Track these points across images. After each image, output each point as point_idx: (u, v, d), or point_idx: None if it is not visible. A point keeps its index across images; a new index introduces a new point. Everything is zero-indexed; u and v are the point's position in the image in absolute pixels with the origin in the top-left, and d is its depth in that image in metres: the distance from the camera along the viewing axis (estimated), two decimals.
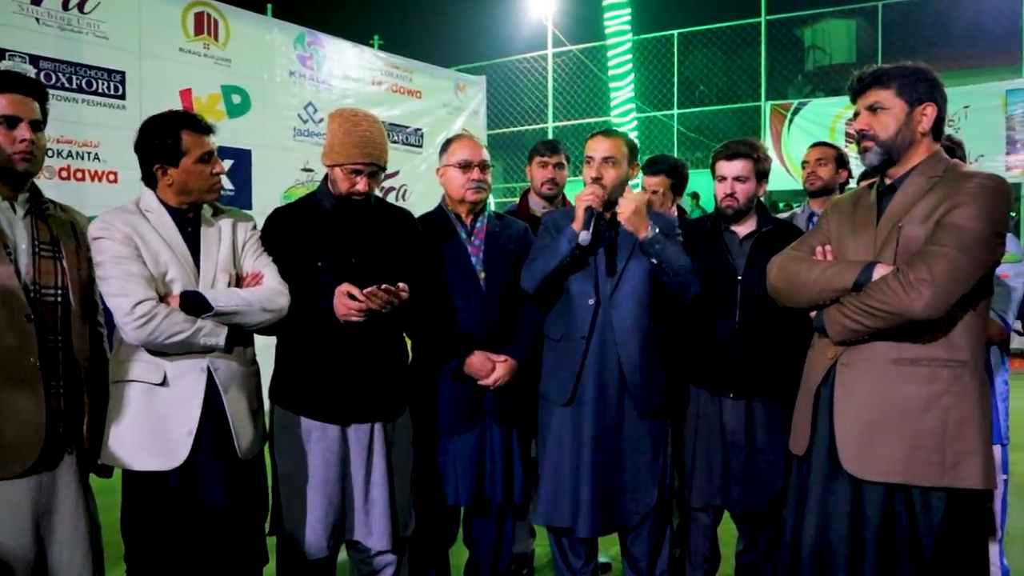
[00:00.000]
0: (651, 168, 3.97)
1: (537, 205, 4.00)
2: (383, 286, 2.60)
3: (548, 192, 3.92)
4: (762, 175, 3.18)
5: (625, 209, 2.88)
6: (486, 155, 3.17)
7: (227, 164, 5.44)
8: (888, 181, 2.46)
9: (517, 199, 4.26)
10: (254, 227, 2.73)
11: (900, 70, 2.37)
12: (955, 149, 3.15)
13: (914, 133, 2.36)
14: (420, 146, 6.96)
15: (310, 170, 6.07)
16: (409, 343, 3.10)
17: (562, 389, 2.98)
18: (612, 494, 3.00)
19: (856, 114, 2.46)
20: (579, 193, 2.94)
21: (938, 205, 2.27)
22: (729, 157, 3.13)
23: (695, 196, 12.78)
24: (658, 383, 3.02)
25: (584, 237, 2.83)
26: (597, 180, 2.93)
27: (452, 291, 3.03)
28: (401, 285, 2.63)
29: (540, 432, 3.10)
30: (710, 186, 3.31)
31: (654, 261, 2.91)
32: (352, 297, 2.62)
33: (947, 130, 2.56)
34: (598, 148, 2.98)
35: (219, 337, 2.46)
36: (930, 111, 2.36)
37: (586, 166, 3.01)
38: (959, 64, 13.88)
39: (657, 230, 2.93)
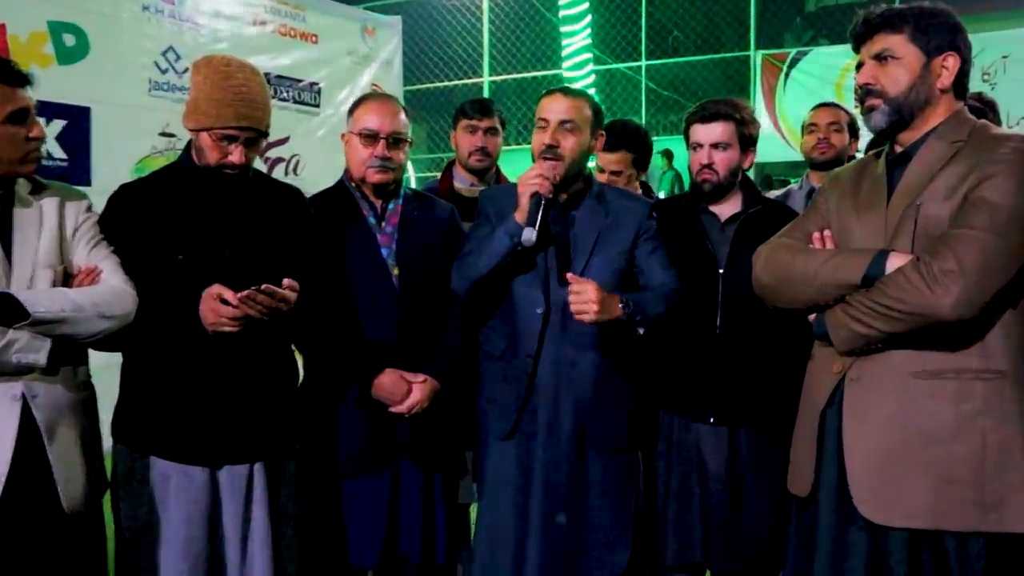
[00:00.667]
0: (607, 143, 3.95)
1: (463, 181, 4.06)
2: (264, 287, 2.56)
3: (477, 164, 3.99)
4: (748, 142, 3.21)
5: (583, 308, 2.77)
6: (401, 125, 3.18)
7: (56, 126, 5.29)
8: (899, 149, 2.47)
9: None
10: (89, 208, 2.68)
11: (915, 11, 2.40)
12: (985, 111, 3.19)
13: (931, 89, 2.38)
14: (316, 105, 6.96)
15: (170, 135, 5.98)
16: (300, 360, 3.09)
17: (504, 418, 3.00)
18: (568, 552, 2.99)
19: (860, 65, 2.48)
20: (523, 174, 2.95)
21: (965, 176, 2.27)
22: (705, 119, 3.16)
23: (667, 155, 12.83)
24: (623, 410, 3.05)
25: (528, 236, 2.83)
26: (552, 149, 2.94)
27: (356, 292, 3.04)
28: (287, 283, 2.61)
29: (475, 472, 3.19)
30: (687, 156, 3.38)
31: (640, 331, 2.94)
32: (224, 302, 2.59)
33: (982, 87, 2.61)
34: (555, 109, 2.99)
35: (38, 353, 2.39)
36: (951, 62, 2.38)
37: (538, 131, 3.03)
38: (996, 5, 14.03)
39: (631, 305, 2.87)
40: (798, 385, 2.63)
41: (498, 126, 4.08)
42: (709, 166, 3.15)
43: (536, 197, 2.86)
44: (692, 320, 3.12)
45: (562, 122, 2.96)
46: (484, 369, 3.14)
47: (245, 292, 2.58)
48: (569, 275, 2.86)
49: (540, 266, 3.01)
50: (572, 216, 3.03)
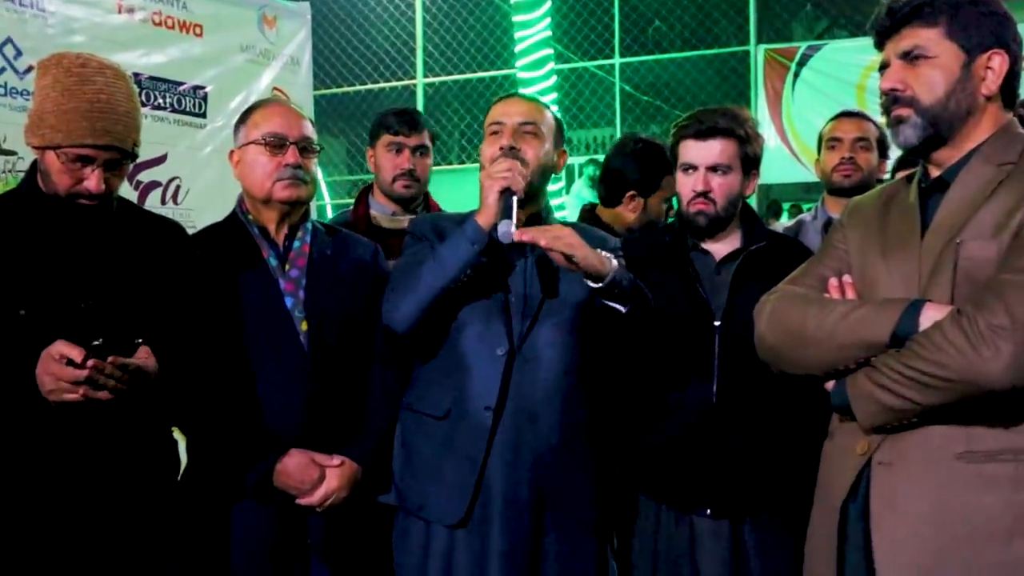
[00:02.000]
0: (609, 183, 4.03)
1: (382, 209, 4.15)
2: (110, 359, 2.55)
3: (403, 191, 4.09)
4: (751, 163, 3.26)
5: (556, 241, 2.84)
6: (309, 129, 3.24)
7: None
8: (935, 172, 2.49)
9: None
10: None
11: (952, 0, 2.42)
12: None
13: (974, 96, 2.39)
14: (202, 115, 6.86)
15: (10, 152, 5.91)
16: (182, 442, 3.14)
17: (452, 499, 3.02)
18: None
19: (884, 65, 2.49)
20: (488, 170, 3.01)
21: (1016, 208, 2.29)
22: (701, 135, 3.21)
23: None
24: (589, 475, 3.08)
25: (505, 229, 2.87)
26: (512, 150, 3.05)
27: (253, 353, 3.07)
28: (140, 354, 2.63)
29: (405, 573, 3.15)
30: None
31: (621, 309, 2.99)
32: (71, 363, 2.57)
33: None
34: (511, 112, 3.14)
35: None
36: (998, 62, 2.39)
37: (490, 139, 3.13)
38: None
39: (614, 261, 2.99)
40: (813, 469, 2.60)
41: (428, 143, 4.13)
42: (705, 195, 3.18)
43: (508, 192, 2.93)
44: (682, 387, 3.15)
45: (522, 123, 3.10)
46: (414, 438, 3.13)
47: (92, 361, 2.56)
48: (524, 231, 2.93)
49: (497, 296, 3.07)
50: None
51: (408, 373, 3.24)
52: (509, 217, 2.91)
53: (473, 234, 2.95)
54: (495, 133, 3.11)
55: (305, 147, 3.16)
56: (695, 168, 3.20)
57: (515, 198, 2.95)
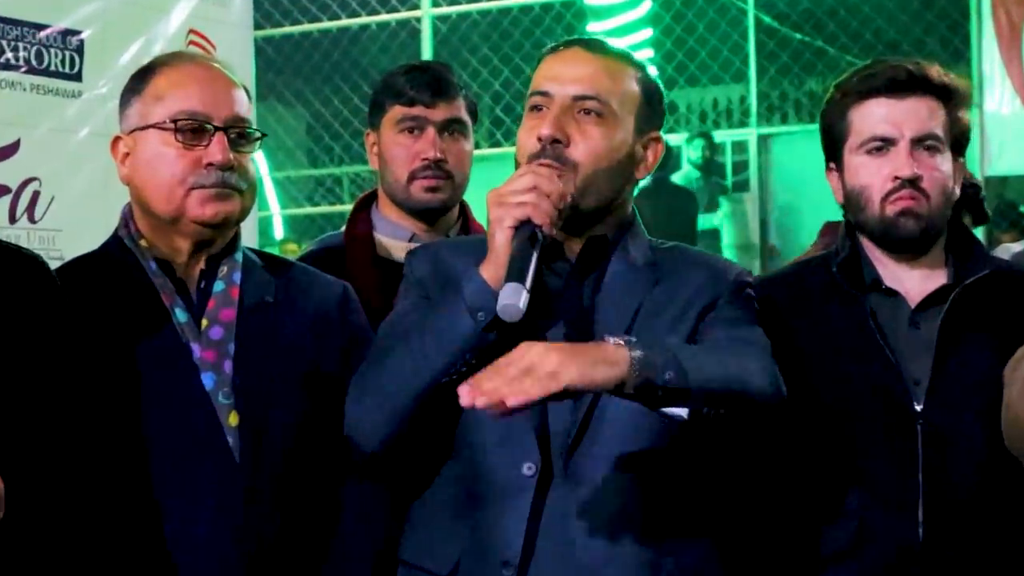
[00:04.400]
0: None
1: (396, 231, 3.90)
2: None
3: (426, 197, 3.83)
4: (959, 145, 3.14)
5: (513, 389, 2.56)
6: (244, 104, 3.11)
7: None
8: None
9: (349, 215, 4.14)
10: None
11: None
12: None
13: None
14: (76, 76, 6.91)
15: None
16: None
17: None
18: None
19: None
20: (498, 189, 2.81)
21: None
22: (899, 88, 3.09)
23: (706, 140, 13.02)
24: None
25: (511, 301, 2.61)
26: (555, 145, 2.86)
27: (155, 466, 2.94)
28: None
29: None
30: (813, 159, 3.23)
31: (681, 414, 2.73)
32: None
33: None
34: (564, 74, 2.94)
35: None
36: None
37: (529, 116, 2.95)
38: None
39: (670, 353, 2.69)
40: None
41: (465, 117, 3.85)
42: (913, 183, 3.05)
43: (526, 230, 2.72)
44: (862, 516, 3.05)
45: (577, 98, 2.89)
46: None
47: None
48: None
49: None
50: (593, 280, 2.98)
51: (404, 499, 3.04)
52: (526, 271, 2.65)
53: (475, 297, 2.76)
54: (536, 108, 2.89)
55: (240, 134, 3.02)
56: (892, 143, 3.07)
57: (538, 239, 2.71)
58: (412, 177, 3.75)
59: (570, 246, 2.89)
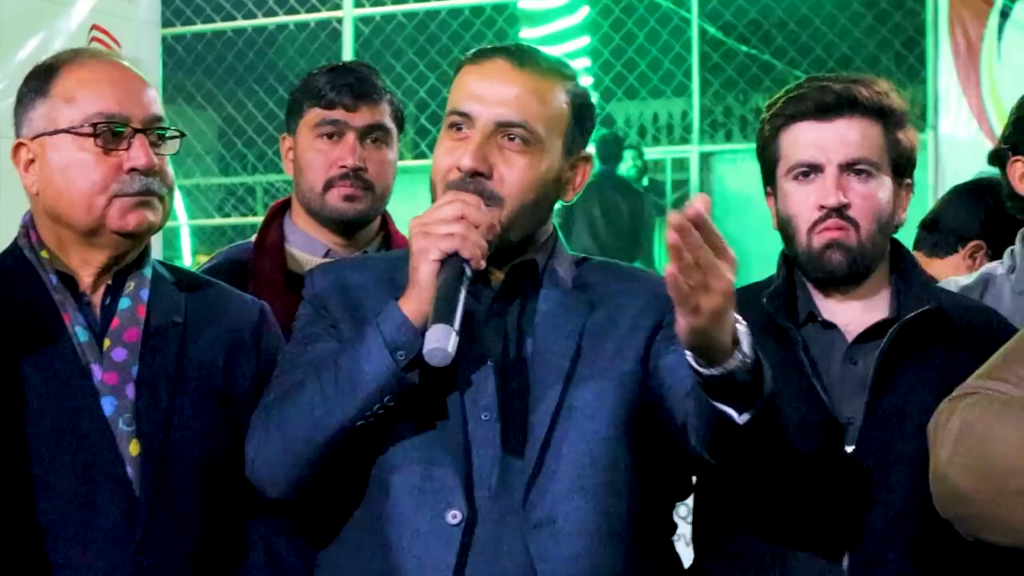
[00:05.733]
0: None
1: (309, 245, 3.85)
2: None
3: (343, 207, 3.79)
4: (903, 167, 3.12)
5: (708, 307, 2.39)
6: (157, 103, 3.06)
7: None
8: None
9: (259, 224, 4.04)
10: None
11: None
12: None
13: None
14: None
15: None
16: None
17: None
18: None
19: None
20: (421, 216, 2.78)
21: None
22: (826, 111, 3.08)
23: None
24: None
25: (439, 345, 2.59)
26: (477, 177, 2.83)
27: (46, 501, 2.93)
28: None
29: None
30: (758, 179, 3.21)
31: (736, 417, 2.61)
32: None
33: None
34: (489, 95, 2.88)
35: None
36: None
37: (449, 135, 2.90)
38: None
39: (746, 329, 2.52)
40: None
41: (388, 123, 3.81)
42: (840, 212, 3.03)
43: (453, 263, 2.70)
44: (788, 563, 3.02)
45: (502, 125, 2.84)
46: None
47: None
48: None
49: (454, 419, 2.85)
50: (518, 306, 2.96)
51: (314, 537, 2.97)
52: (453, 310, 2.63)
53: (395, 335, 2.71)
54: (455, 128, 2.85)
55: (160, 135, 3.00)
56: (818, 169, 3.08)
57: (466, 274, 2.67)
58: (328, 185, 3.72)
59: (493, 272, 2.86)
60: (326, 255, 3.69)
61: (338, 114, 3.68)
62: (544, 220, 2.92)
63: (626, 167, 12.05)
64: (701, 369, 2.49)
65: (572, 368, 2.86)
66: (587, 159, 2.96)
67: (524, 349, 2.90)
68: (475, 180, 2.76)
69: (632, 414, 2.86)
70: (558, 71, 2.91)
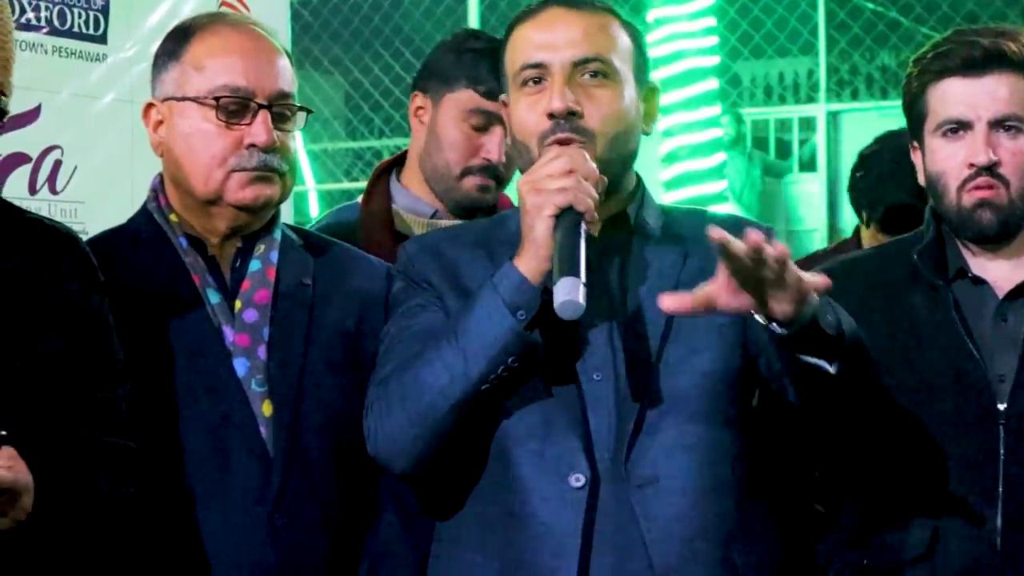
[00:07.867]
0: None
1: (417, 206, 3.83)
2: None
3: (475, 194, 3.78)
4: None
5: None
6: (287, 77, 3.09)
7: None
8: None
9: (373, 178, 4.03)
10: None
11: None
12: None
13: None
14: (100, 38, 6.92)
15: None
16: None
17: None
18: None
19: None
20: (528, 175, 2.77)
21: None
22: (974, 67, 3.05)
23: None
24: None
25: (569, 297, 2.58)
26: (571, 118, 2.82)
27: (186, 454, 2.95)
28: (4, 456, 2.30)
29: None
30: None
31: (828, 367, 2.64)
32: None
33: None
34: (555, 38, 2.89)
35: None
36: None
37: (525, 95, 2.91)
38: None
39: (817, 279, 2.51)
40: None
41: None
42: (991, 170, 3.01)
43: (569, 218, 2.68)
44: (938, 518, 3.03)
45: (579, 63, 2.86)
46: None
47: None
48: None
49: (567, 380, 2.86)
50: (618, 261, 2.97)
51: (435, 511, 3.00)
52: (575, 269, 2.58)
53: (515, 294, 2.70)
54: (531, 82, 2.86)
55: (282, 112, 3.01)
56: (967, 126, 3.04)
57: (583, 228, 2.63)
58: (467, 172, 3.68)
59: (589, 225, 2.74)
60: (433, 216, 3.71)
61: (494, 107, 3.51)
62: (631, 159, 2.91)
63: (725, 132, 11.70)
64: (776, 328, 2.57)
65: (669, 323, 2.84)
66: (655, 90, 2.96)
67: (626, 305, 2.89)
68: (569, 120, 2.74)
69: (734, 365, 2.85)
70: (607, 8, 2.90)
